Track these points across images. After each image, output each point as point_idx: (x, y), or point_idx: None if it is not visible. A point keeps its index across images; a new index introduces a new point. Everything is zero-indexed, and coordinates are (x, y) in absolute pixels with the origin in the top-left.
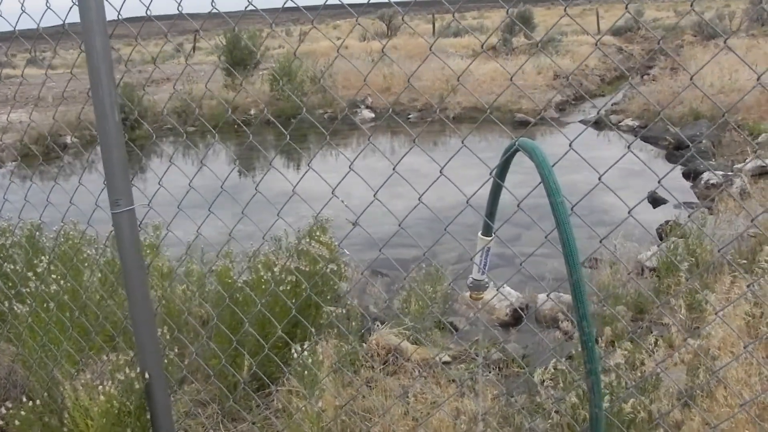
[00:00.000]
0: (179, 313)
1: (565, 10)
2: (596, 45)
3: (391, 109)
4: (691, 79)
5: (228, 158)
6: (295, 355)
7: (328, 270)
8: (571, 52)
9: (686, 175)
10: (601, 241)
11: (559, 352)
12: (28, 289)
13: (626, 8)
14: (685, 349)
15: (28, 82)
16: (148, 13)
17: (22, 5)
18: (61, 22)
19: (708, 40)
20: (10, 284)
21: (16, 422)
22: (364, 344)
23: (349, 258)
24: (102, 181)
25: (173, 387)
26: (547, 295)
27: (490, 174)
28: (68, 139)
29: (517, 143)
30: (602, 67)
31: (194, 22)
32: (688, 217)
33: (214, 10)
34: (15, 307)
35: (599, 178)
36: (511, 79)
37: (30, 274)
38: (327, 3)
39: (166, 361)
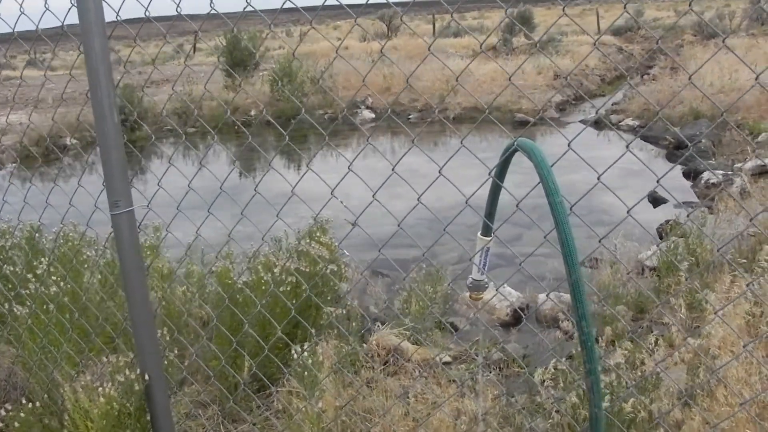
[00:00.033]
0: (179, 314)
1: (563, 10)
2: (595, 45)
3: (389, 110)
4: (689, 78)
5: (231, 159)
6: (295, 356)
7: (328, 271)
8: (572, 52)
9: (686, 175)
10: (600, 241)
11: (559, 351)
12: (27, 291)
13: (624, 8)
14: (686, 349)
15: (27, 83)
16: (147, 14)
17: (21, 6)
18: (60, 24)
19: (708, 40)
20: (10, 286)
21: (16, 424)
22: (364, 345)
23: (349, 258)
24: (101, 183)
25: (173, 388)
26: (547, 295)
27: (489, 174)
28: (68, 141)
29: (515, 143)
30: (602, 67)
31: (193, 23)
32: (687, 216)
33: (213, 11)
34: (15, 309)
35: (598, 178)
36: (509, 79)
37: (30, 275)
38: (325, 4)
39: (166, 362)
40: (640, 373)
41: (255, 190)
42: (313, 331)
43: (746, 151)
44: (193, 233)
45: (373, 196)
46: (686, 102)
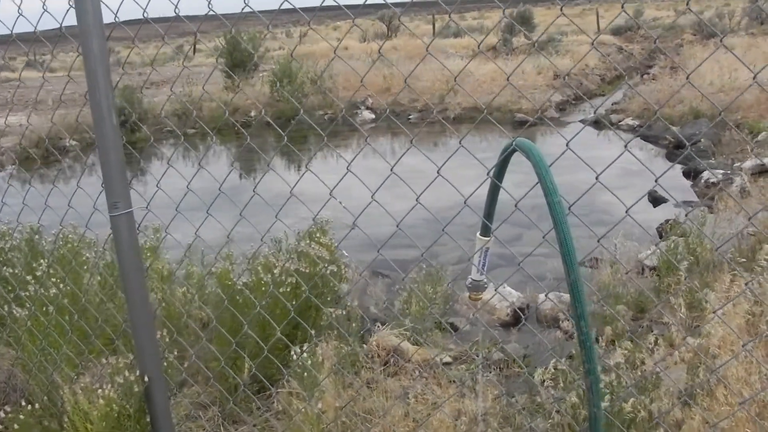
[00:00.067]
0: (179, 315)
1: (561, 9)
2: (592, 45)
3: (388, 110)
4: (687, 77)
5: (231, 160)
6: (294, 357)
7: (328, 272)
8: (571, 52)
9: (686, 174)
10: (598, 241)
11: (559, 351)
12: (27, 293)
13: (622, 7)
14: (686, 348)
15: (25, 85)
16: (145, 15)
17: (19, 8)
18: (59, 25)
19: (708, 39)
20: (10, 288)
21: (15, 426)
22: (364, 345)
23: (349, 259)
24: (101, 184)
25: (173, 390)
26: (546, 295)
27: (488, 174)
28: (68, 142)
29: (514, 143)
30: (602, 66)
31: (192, 24)
32: (686, 216)
33: (212, 12)
34: (14, 311)
35: (596, 178)
36: (508, 79)
37: (29, 277)
38: (323, 4)
39: (165, 363)
40: (640, 373)
41: (254, 191)
42: (312, 332)
43: (746, 151)
44: (193, 234)
45: (371, 197)
46: (686, 101)
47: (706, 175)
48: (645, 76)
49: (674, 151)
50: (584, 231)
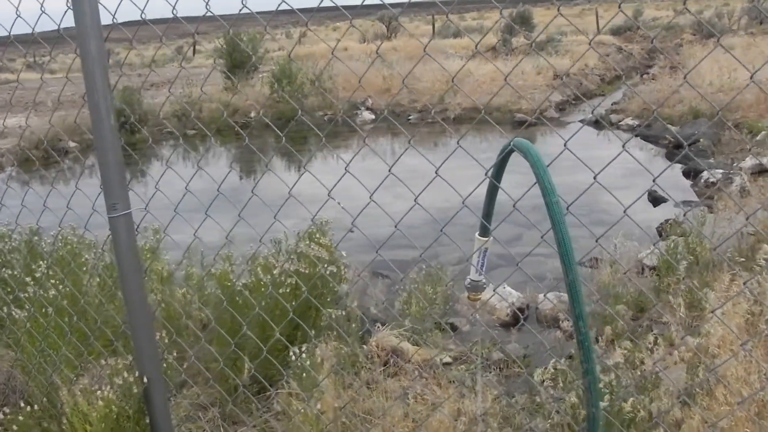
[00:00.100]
0: (178, 316)
1: (558, 10)
2: (590, 44)
3: (386, 111)
4: (684, 77)
5: (231, 161)
6: (293, 357)
7: (328, 272)
8: (571, 52)
9: (686, 174)
10: (597, 241)
11: (559, 351)
12: (26, 295)
13: (619, 7)
14: (685, 348)
15: (23, 86)
16: (143, 16)
17: (17, 9)
18: (57, 27)
19: (707, 39)
20: (9, 289)
21: (14, 427)
22: (364, 346)
23: (349, 260)
24: (100, 186)
25: (173, 391)
26: (544, 295)
27: (486, 174)
28: (68, 144)
29: (512, 143)
30: (602, 66)
31: (191, 25)
32: (683, 215)
33: (209, 13)
34: (13, 313)
35: (594, 178)
36: (505, 79)
37: (28, 279)
38: (321, 5)
39: (164, 365)
40: (640, 373)
41: (252, 191)
42: (312, 332)
43: (746, 150)
44: (194, 235)
45: (370, 197)
46: (686, 101)
47: (705, 174)
48: (644, 76)
49: (674, 150)
50: (584, 231)
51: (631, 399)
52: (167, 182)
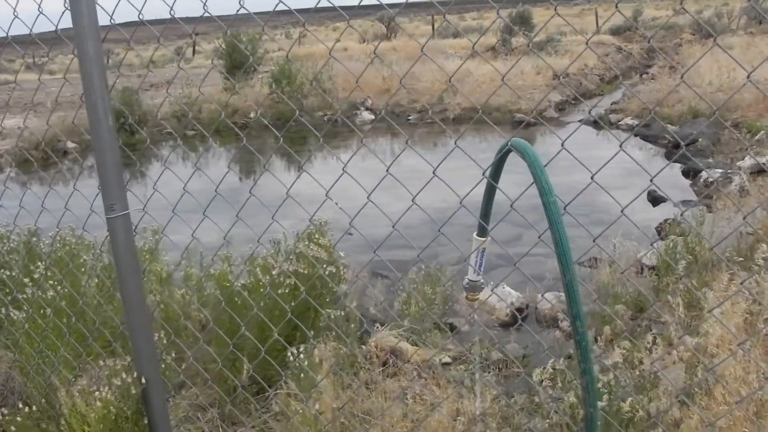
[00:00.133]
0: (177, 317)
1: (555, 9)
2: (587, 44)
3: (383, 111)
4: (681, 77)
5: (230, 161)
6: (291, 358)
7: (327, 273)
8: (570, 52)
9: (685, 174)
10: (594, 240)
11: (558, 351)
12: (24, 296)
13: (616, 7)
14: (684, 347)
15: (21, 87)
16: (141, 17)
17: (15, 9)
18: (54, 28)
19: (707, 39)
20: (7, 290)
21: (13, 428)
22: (363, 346)
23: (348, 260)
24: (98, 186)
25: (171, 392)
26: (542, 295)
27: (483, 174)
28: (67, 145)
29: (509, 143)
30: (602, 66)
31: (189, 26)
32: (680, 215)
33: (207, 14)
34: (12, 314)
35: (591, 178)
36: (503, 80)
37: (27, 280)
38: (318, 5)
39: (163, 365)
40: (638, 372)
41: (250, 192)
42: (311, 333)
43: (745, 150)
44: (193, 236)
45: (367, 197)
46: (685, 101)
47: (705, 174)
48: (644, 76)
49: (673, 150)
50: (582, 230)
51: (630, 399)
52: (167, 183)
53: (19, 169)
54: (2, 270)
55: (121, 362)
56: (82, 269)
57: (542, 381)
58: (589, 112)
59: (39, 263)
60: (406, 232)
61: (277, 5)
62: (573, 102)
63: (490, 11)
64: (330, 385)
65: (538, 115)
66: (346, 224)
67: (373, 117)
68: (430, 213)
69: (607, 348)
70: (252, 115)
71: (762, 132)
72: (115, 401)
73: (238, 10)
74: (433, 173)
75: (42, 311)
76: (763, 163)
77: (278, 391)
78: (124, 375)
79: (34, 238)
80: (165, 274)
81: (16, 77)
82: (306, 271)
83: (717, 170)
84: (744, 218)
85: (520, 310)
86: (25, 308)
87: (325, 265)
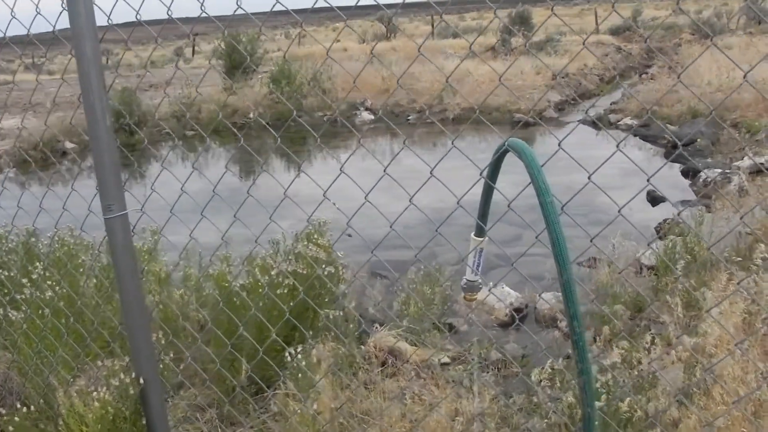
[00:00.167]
0: (176, 317)
1: (552, 9)
2: (584, 44)
3: (380, 111)
4: (678, 77)
5: (230, 162)
6: (289, 358)
7: (325, 273)
8: (570, 52)
9: (685, 173)
10: (591, 240)
11: (557, 351)
12: (23, 296)
13: (613, 7)
14: (682, 347)
15: (19, 87)
16: (138, 17)
17: (12, 10)
18: (52, 28)
19: (706, 39)
20: (6, 291)
21: (11, 428)
22: (362, 347)
23: (347, 260)
24: (96, 186)
25: (170, 392)
26: (539, 295)
27: (480, 174)
28: (67, 145)
29: (506, 143)
30: (601, 66)
31: (188, 26)
32: (677, 215)
33: (205, 14)
34: (10, 314)
35: (588, 177)
36: (500, 80)
37: (25, 280)
38: (315, 6)
39: (161, 366)
40: (637, 372)
41: (248, 192)
42: (310, 333)
43: (746, 150)
44: (192, 236)
45: (365, 198)
46: (684, 101)
47: (704, 174)
48: (643, 76)
49: (672, 150)
50: (582, 230)
51: (628, 399)
52: (166, 183)
53: (18, 170)
54: (1, 270)
55: (119, 362)
56: (81, 270)
57: (541, 381)
58: (586, 112)
59: (37, 264)
60: (404, 233)
61: (274, 5)
62: (572, 102)
63: (489, 11)
64: (329, 386)
65: (537, 116)
66: (344, 224)
67: (372, 117)
68: (429, 213)
69: (606, 348)
70: (252, 115)
71: (762, 132)
72: (113, 401)
73: (235, 11)
74: (431, 173)
75: (40, 312)
76: (761, 163)
77: (277, 392)
78: (122, 375)
79: (33, 239)
80: (164, 274)
81: (14, 77)
82: (305, 272)
83: (716, 170)
84: (741, 218)
85: (518, 310)
86: (24, 309)
87: (324, 266)
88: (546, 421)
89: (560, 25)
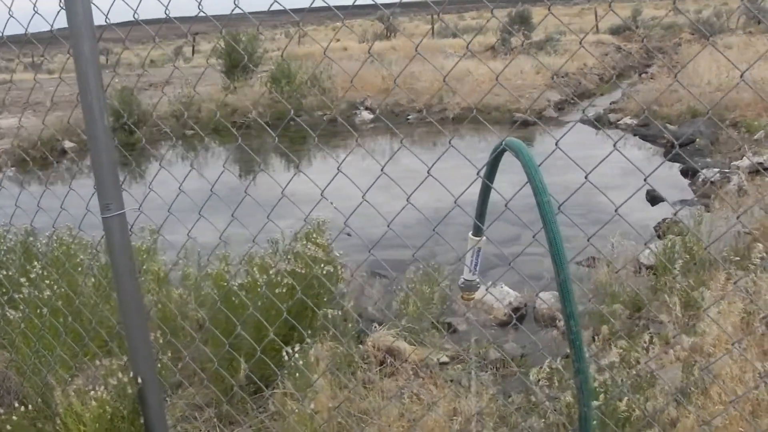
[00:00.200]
0: (175, 317)
1: (549, 9)
2: (580, 44)
3: (378, 111)
4: (674, 76)
5: (230, 161)
6: (286, 357)
7: (324, 272)
8: (570, 52)
9: (684, 173)
10: (588, 240)
11: (555, 350)
12: (21, 295)
13: (609, 6)
14: (681, 347)
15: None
16: (136, 16)
17: (10, 10)
18: (50, 28)
19: (706, 38)
20: (4, 290)
21: (8, 427)
22: (361, 346)
23: (347, 260)
24: (93, 186)
25: (168, 391)
26: (536, 294)
27: (478, 174)
28: (66, 144)
29: (503, 143)
30: (601, 65)
31: (185, 25)
32: (673, 214)
33: (202, 14)
34: (8, 313)
35: (585, 177)
36: (497, 79)
37: (23, 279)
38: (313, 5)
39: (159, 365)
40: (635, 372)
41: (245, 191)
42: (308, 332)
43: (744, 149)
44: (191, 236)
45: (362, 197)
46: (684, 101)
47: (703, 174)
48: (643, 76)
49: (672, 149)
50: (580, 230)
51: (626, 398)
52: (166, 183)
53: (18, 169)
54: None
55: (117, 362)
56: (79, 269)
57: (539, 380)
58: (583, 111)
59: (36, 263)
60: (404, 232)
61: (271, 5)
62: (572, 101)
63: (489, 11)
64: (327, 385)
65: (537, 115)
66: (344, 224)
67: (372, 116)
68: (428, 212)
69: (605, 347)
70: (251, 114)
71: (761, 131)
72: (111, 401)
73: (232, 10)
74: (428, 173)
75: (38, 311)
76: (759, 163)
77: (275, 391)
78: (120, 375)
79: (31, 238)
80: (162, 273)
81: (11, 77)
82: (303, 271)
83: (714, 170)
84: (737, 217)
85: (517, 309)
86: (22, 308)
87: (322, 265)
88: (543, 420)
89: (560, 24)
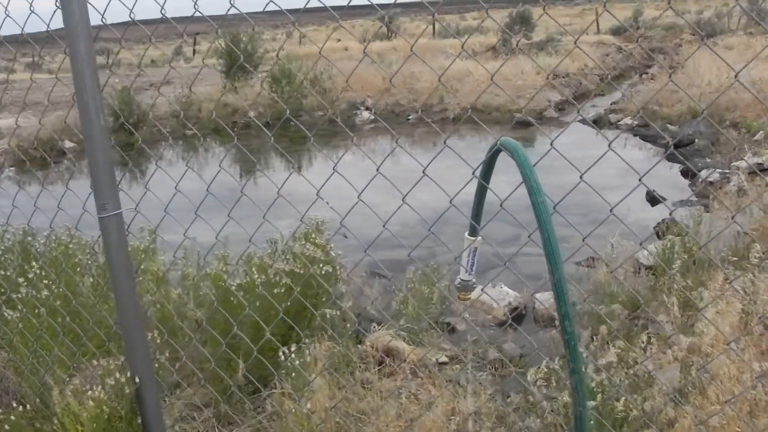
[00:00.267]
0: (172, 317)
1: (544, 9)
2: (575, 44)
3: (374, 110)
4: (669, 77)
5: (231, 161)
6: (283, 357)
7: (323, 272)
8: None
9: (684, 173)
10: (584, 240)
11: (554, 351)
12: (19, 295)
13: (605, 6)
14: (678, 347)
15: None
16: (132, 16)
17: (6, 8)
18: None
19: (707, 39)
20: (2, 290)
21: (6, 427)
22: (359, 346)
23: (345, 260)
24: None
25: (166, 391)
26: (532, 295)
27: (473, 174)
28: (65, 144)
29: (498, 143)
30: (601, 66)
31: (181, 25)
32: (669, 214)
33: (198, 14)
34: (6, 314)
35: (581, 177)
36: (492, 79)
37: (21, 279)
38: (308, 5)
39: (157, 365)
40: (633, 372)
41: (241, 191)
42: (306, 332)
43: (744, 150)
44: (191, 235)
45: (358, 197)
46: (684, 101)
47: (703, 174)
48: (644, 76)
49: (672, 150)
50: (581, 230)
51: (623, 398)
52: (164, 183)
53: (17, 169)
54: None
55: (114, 362)
56: (77, 269)
57: (536, 381)
58: (578, 112)
59: (34, 263)
60: (403, 232)
61: (267, 5)
62: (571, 102)
63: (490, 11)
64: (325, 385)
65: (538, 116)
66: (343, 224)
67: (372, 116)
68: (427, 212)
69: (603, 347)
70: (252, 114)
71: (761, 132)
72: (108, 401)
73: (228, 10)
74: (423, 172)
75: (36, 311)
76: (758, 164)
77: (273, 391)
78: (117, 375)
79: (29, 238)
80: (160, 273)
81: (8, 76)
82: (302, 271)
83: (713, 170)
84: (732, 217)
85: (516, 309)
86: (20, 308)
87: (321, 265)
88: (541, 420)
89: (562, 24)
